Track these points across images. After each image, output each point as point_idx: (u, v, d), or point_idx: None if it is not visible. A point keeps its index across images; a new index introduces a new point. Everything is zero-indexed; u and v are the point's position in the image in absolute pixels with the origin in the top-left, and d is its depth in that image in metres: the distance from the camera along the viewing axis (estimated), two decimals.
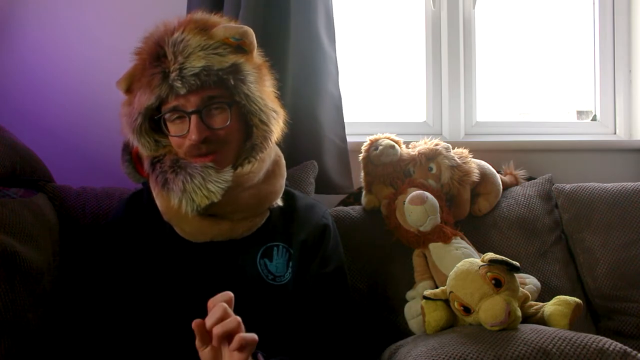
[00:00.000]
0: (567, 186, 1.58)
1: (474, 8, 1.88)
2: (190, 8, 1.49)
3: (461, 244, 1.31)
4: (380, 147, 1.40)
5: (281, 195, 1.10)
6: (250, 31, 1.02)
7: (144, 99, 0.98)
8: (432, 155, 1.41)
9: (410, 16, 1.93)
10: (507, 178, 1.63)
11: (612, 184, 1.57)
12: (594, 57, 2.01)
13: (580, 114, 2.15)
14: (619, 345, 0.94)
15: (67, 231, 1.21)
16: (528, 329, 1.00)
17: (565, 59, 2.10)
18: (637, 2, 1.96)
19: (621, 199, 1.52)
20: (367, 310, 1.32)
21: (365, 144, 1.44)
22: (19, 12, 1.55)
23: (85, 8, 1.58)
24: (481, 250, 1.33)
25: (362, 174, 1.46)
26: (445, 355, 0.93)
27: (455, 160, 1.41)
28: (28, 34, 1.55)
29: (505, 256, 1.09)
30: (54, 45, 1.56)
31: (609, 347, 0.93)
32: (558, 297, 1.11)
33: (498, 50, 2.01)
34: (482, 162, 1.52)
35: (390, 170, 1.42)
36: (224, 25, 1.01)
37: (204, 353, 0.81)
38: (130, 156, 1.09)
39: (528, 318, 1.11)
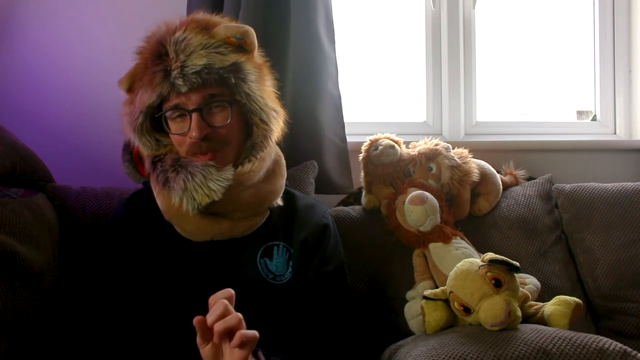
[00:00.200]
0: (567, 186, 1.58)
1: (474, 8, 1.88)
2: (190, 8, 1.49)
3: (461, 244, 1.31)
4: (380, 147, 1.40)
5: (281, 195, 1.10)
6: (251, 31, 1.02)
7: (146, 97, 0.98)
8: (432, 155, 1.41)
9: (410, 16, 1.93)
10: (507, 178, 1.63)
11: (612, 184, 1.57)
12: (594, 57, 2.01)
13: (580, 114, 2.15)
14: (619, 345, 0.94)
15: (67, 231, 1.21)
16: (528, 329, 1.00)
17: (565, 59, 2.10)
18: (637, 2, 1.96)
19: (621, 199, 1.52)
20: (367, 310, 1.32)
21: (365, 144, 1.44)
22: (19, 12, 1.55)
23: (85, 8, 1.58)
24: (481, 250, 1.33)
25: (362, 174, 1.46)
26: (445, 355, 0.93)
27: (455, 160, 1.41)
28: (28, 34, 1.55)
29: (505, 256, 1.09)
30: (54, 45, 1.56)
31: (609, 347, 0.93)
32: (558, 297, 1.11)
33: (498, 50, 2.01)
34: (482, 162, 1.52)
35: (390, 170, 1.42)
36: (225, 24, 1.01)
37: (205, 350, 0.81)
38: (131, 156, 1.09)
39: (528, 318, 1.11)
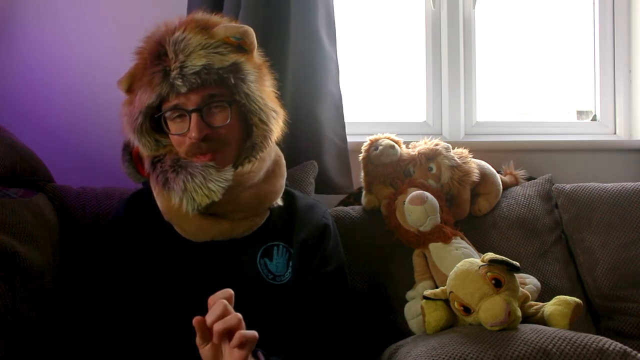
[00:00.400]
0: (567, 186, 1.58)
1: (474, 8, 1.88)
2: (190, 8, 1.49)
3: (461, 244, 1.31)
4: (380, 147, 1.40)
5: (281, 195, 1.10)
6: (251, 31, 1.02)
7: (145, 97, 0.98)
8: (432, 155, 1.41)
9: (410, 16, 1.93)
10: (507, 178, 1.63)
11: (612, 184, 1.57)
12: (594, 57, 2.01)
13: (580, 114, 2.15)
14: (619, 345, 0.94)
15: (67, 231, 1.21)
16: (528, 329, 1.00)
17: (565, 59, 2.10)
18: (637, 2, 1.96)
19: (621, 199, 1.52)
20: (367, 310, 1.32)
21: (365, 144, 1.44)
22: (19, 12, 1.55)
23: (85, 8, 1.58)
24: (481, 250, 1.33)
25: (362, 174, 1.46)
26: (445, 355, 0.93)
27: (455, 160, 1.41)
28: (28, 34, 1.55)
29: (505, 256, 1.09)
30: (54, 45, 1.56)
31: (609, 347, 0.93)
32: (558, 297, 1.11)
33: (498, 50, 2.01)
34: (482, 162, 1.52)
35: (390, 170, 1.42)
36: (225, 24, 1.01)
37: (205, 350, 0.81)
38: (131, 156, 1.09)
39: (528, 318, 1.11)
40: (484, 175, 1.48)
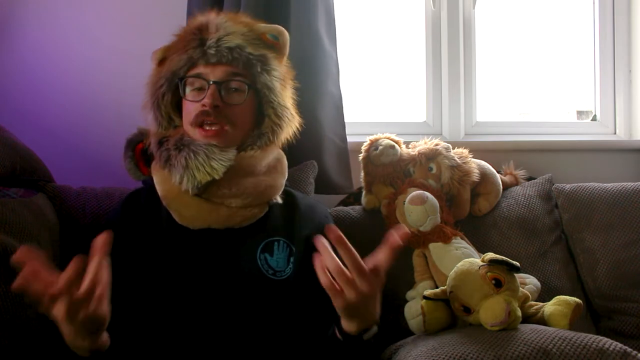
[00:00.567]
0: (567, 186, 1.58)
1: (474, 8, 1.88)
2: (190, 8, 1.48)
3: (461, 244, 1.31)
4: (380, 147, 1.40)
5: (281, 192, 1.10)
6: (287, 34, 1.11)
7: (175, 61, 1.05)
8: (432, 155, 1.41)
9: (410, 16, 1.93)
10: (507, 178, 1.63)
11: (612, 184, 1.57)
12: (594, 57, 2.01)
13: (580, 114, 2.15)
14: (619, 345, 0.94)
15: (67, 231, 1.21)
16: (528, 329, 1.00)
17: (565, 59, 2.10)
18: (637, 2, 1.96)
19: (621, 199, 1.52)
20: None
21: (365, 144, 1.44)
22: (19, 12, 1.55)
23: (85, 8, 1.58)
24: (481, 250, 1.33)
25: (362, 174, 1.46)
26: (445, 355, 0.93)
27: (455, 160, 1.41)
28: (28, 34, 1.55)
29: (505, 256, 1.09)
30: (54, 45, 1.56)
31: (609, 347, 0.93)
32: (558, 297, 1.11)
33: (498, 50, 2.01)
34: (482, 162, 1.52)
35: (390, 170, 1.42)
36: (264, 24, 1.10)
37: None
38: (133, 152, 1.10)
39: (528, 318, 1.11)
40: (484, 175, 1.48)
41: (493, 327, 1.01)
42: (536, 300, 1.19)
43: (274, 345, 0.98)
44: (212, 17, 1.07)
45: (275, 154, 1.12)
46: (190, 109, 1.04)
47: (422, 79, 1.89)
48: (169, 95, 1.07)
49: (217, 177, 1.00)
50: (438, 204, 1.31)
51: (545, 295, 1.30)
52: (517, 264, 1.07)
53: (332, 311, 1.01)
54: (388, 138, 1.43)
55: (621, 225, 1.48)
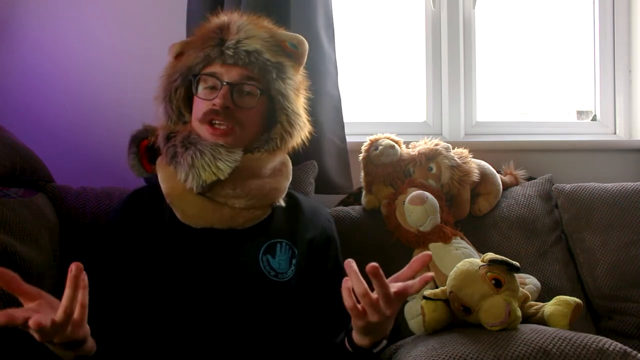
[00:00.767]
0: (567, 186, 1.58)
1: (474, 8, 1.88)
2: (190, 8, 1.48)
3: (461, 244, 1.31)
4: (380, 147, 1.40)
5: (284, 196, 1.11)
6: (307, 44, 1.12)
7: (192, 57, 1.05)
8: (432, 155, 1.41)
9: (410, 16, 1.93)
10: (507, 178, 1.63)
11: (612, 184, 1.57)
12: (594, 57, 2.01)
13: (580, 114, 2.15)
14: (619, 345, 0.94)
15: (67, 231, 1.21)
16: (528, 329, 1.00)
17: (565, 59, 2.10)
18: (637, 2, 1.96)
19: (621, 199, 1.52)
20: None
21: (365, 144, 1.44)
22: (19, 12, 1.55)
23: (85, 8, 1.57)
24: (481, 250, 1.33)
25: (362, 174, 1.46)
26: (445, 355, 0.93)
27: (455, 160, 1.41)
28: (28, 34, 1.55)
29: (505, 256, 1.09)
30: (54, 45, 1.56)
31: (609, 347, 0.93)
32: (558, 297, 1.11)
33: (498, 50, 2.01)
34: (482, 162, 1.52)
35: (390, 170, 1.42)
36: (285, 31, 1.12)
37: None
38: (138, 149, 1.11)
39: (528, 318, 1.11)
40: (484, 175, 1.48)
41: (493, 327, 1.01)
42: (536, 300, 1.19)
43: (274, 347, 0.98)
44: (234, 18, 1.08)
45: (281, 158, 1.12)
46: (201, 106, 1.04)
47: (422, 79, 1.89)
48: (181, 90, 1.08)
49: (222, 178, 1.00)
50: (438, 204, 1.31)
51: (545, 295, 1.30)
52: (517, 264, 1.07)
53: (336, 317, 1.02)
54: (388, 138, 1.43)
55: (621, 225, 1.48)
